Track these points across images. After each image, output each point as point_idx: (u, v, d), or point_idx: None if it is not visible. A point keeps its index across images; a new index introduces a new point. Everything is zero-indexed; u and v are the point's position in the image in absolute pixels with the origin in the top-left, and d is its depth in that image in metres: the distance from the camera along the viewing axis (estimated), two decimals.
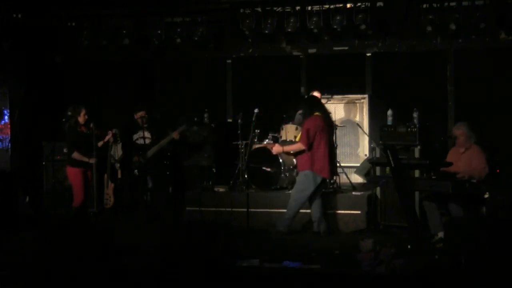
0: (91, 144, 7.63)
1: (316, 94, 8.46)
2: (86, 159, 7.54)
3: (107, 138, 7.89)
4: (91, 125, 7.65)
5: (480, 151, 6.74)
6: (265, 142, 8.38)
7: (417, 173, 7.40)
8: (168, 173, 8.38)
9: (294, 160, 7.75)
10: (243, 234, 7.04)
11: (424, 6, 8.49)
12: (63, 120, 7.91)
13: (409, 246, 5.96)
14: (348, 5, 8.69)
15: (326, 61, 9.45)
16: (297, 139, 7.35)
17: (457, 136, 6.79)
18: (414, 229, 5.96)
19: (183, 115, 8.71)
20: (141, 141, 8.22)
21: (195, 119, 8.55)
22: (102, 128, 7.83)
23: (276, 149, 7.44)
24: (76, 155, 7.52)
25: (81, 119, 7.60)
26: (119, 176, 8.85)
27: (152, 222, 8.10)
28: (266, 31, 8.96)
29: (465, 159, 6.76)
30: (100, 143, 7.80)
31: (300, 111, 8.48)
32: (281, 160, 8.08)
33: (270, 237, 7.26)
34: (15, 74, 9.34)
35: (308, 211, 7.38)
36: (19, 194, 8.77)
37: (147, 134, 8.22)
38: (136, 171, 8.26)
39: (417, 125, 7.62)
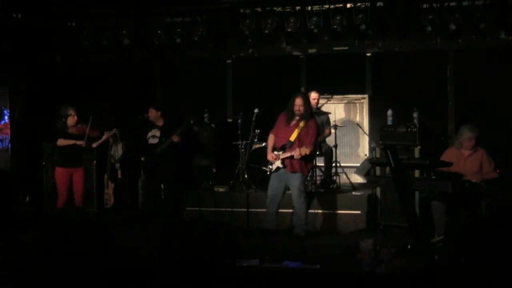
0: (83, 147, 7.62)
1: (314, 94, 8.47)
2: (72, 142, 7.46)
3: (104, 138, 7.83)
4: (85, 126, 7.59)
5: (489, 156, 6.78)
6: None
7: (417, 173, 7.40)
8: (175, 173, 8.32)
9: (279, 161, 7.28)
10: (243, 234, 7.04)
11: (424, 6, 8.48)
12: (53, 121, 7.87)
13: (409, 246, 5.97)
14: (348, 5, 8.68)
15: (326, 61, 9.45)
16: (292, 138, 7.12)
17: (470, 139, 6.77)
18: (414, 229, 5.97)
19: (183, 116, 8.68)
20: (151, 140, 8.21)
21: (191, 121, 8.46)
22: (100, 128, 7.79)
23: (298, 153, 6.96)
24: (60, 141, 7.44)
25: (70, 121, 7.55)
26: (119, 176, 8.85)
27: (152, 222, 8.11)
28: (266, 31, 8.95)
29: (472, 162, 6.77)
30: (94, 144, 7.76)
31: None
32: None
33: (270, 237, 7.26)
34: (15, 74, 9.33)
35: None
36: (19, 194, 8.76)
37: (158, 133, 8.21)
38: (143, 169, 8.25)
39: (417, 125, 7.62)
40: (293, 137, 7.12)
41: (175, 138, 8.01)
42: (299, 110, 7.14)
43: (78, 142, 7.50)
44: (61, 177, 7.53)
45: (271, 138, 7.35)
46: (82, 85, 9.83)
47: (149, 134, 8.24)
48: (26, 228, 7.38)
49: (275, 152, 7.19)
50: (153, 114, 8.20)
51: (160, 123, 8.23)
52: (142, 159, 8.19)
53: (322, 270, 5.61)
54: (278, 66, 9.59)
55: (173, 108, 9.38)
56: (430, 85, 8.97)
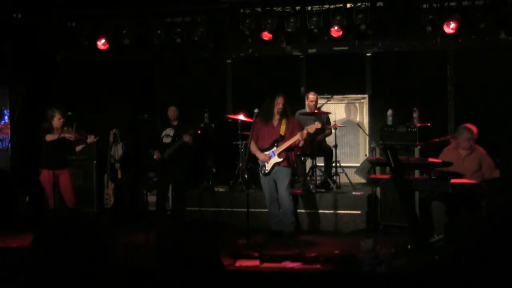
0: (68, 149, 7.60)
1: (311, 96, 8.46)
2: (61, 135, 7.37)
3: (88, 141, 7.73)
4: (70, 128, 7.51)
5: (487, 154, 6.78)
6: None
7: (417, 173, 7.40)
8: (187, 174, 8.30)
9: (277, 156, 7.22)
10: (243, 234, 7.05)
11: (424, 6, 8.48)
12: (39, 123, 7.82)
13: (409, 246, 5.97)
14: (348, 5, 8.68)
15: (326, 61, 9.45)
16: (282, 132, 7.15)
17: (469, 140, 6.76)
18: (414, 229, 5.97)
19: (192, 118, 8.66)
20: (165, 139, 8.19)
21: (202, 125, 8.49)
22: (85, 132, 7.72)
23: (305, 133, 7.07)
24: (49, 136, 7.39)
25: (55, 123, 7.52)
26: (119, 176, 8.85)
27: (152, 222, 8.10)
28: (266, 31, 8.95)
29: (470, 162, 6.76)
30: (78, 148, 7.70)
31: (300, 111, 8.51)
32: None
33: (270, 237, 7.26)
34: (15, 74, 9.33)
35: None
36: (19, 194, 8.76)
37: (171, 133, 8.19)
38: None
39: (417, 125, 7.62)
40: (282, 131, 7.18)
41: (186, 138, 7.98)
42: (282, 107, 7.21)
43: (67, 135, 7.41)
44: (45, 178, 7.50)
45: (253, 145, 7.28)
46: (82, 85, 9.83)
47: (163, 133, 8.22)
48: (26, 228, 7.39)
49: (266, 152, 7.21)
50: (172, 112, 8.20)
51: (175, 122, 8.21)
52: (154, 157, 8.12)
53: (322, 270, 5.61)
54: (278, 66, 9.59)
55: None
56: (430, 85, 8.97)
